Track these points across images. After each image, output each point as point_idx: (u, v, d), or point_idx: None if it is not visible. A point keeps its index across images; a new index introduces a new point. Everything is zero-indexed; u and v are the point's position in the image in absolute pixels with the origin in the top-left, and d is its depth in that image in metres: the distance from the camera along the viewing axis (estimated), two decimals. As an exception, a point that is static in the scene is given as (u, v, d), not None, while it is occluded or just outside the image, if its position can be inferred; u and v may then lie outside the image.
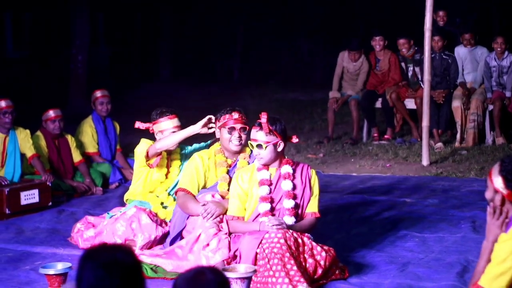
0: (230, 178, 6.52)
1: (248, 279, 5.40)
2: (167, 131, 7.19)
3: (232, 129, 6.50)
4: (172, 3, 20.94)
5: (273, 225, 5.81)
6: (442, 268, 6.20)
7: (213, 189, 6.57)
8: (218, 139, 6.77)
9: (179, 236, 6.53)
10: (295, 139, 6.28)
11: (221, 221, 6.26)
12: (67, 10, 17.10)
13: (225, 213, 6.29)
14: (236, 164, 6.62)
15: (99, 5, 19.60)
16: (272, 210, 6.06)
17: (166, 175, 7.22)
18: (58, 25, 19.20)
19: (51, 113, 9.59)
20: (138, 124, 7.28)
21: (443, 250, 6.71)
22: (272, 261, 5.64)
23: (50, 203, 8.84)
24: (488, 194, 4.21)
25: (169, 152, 7.32)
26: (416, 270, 6.18)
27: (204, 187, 6.61)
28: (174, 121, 7.25)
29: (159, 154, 7.09)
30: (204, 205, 6.29)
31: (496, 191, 4.16)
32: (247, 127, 6.55)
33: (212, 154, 6.66)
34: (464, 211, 7.97)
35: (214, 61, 22.56)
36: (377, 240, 7.04)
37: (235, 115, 6.52)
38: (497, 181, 4.14)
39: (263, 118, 6.01)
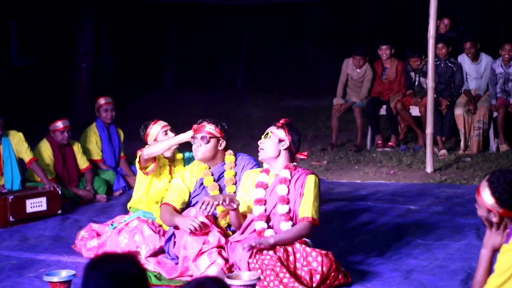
0: (220, 186, 6.58)
1: (252, 287, 5.40)
2: (160, 134, 7.38)
3: (193, 138, 6.57)
4: (177, 11, 20.97)
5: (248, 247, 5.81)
6: (446, 275, 6.19)
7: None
8: None
9: (170, 240, 6.57)
10: (303, 156, 6.31)
11: (206, 231, 6.26)
12: (72, 18, 17.14)
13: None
14: (223, 173, 6.64)
15: (105, 12, 19.64)
16: (267, 216, 6.08)
17: (170, 181, 7.26)
18: (63, 33, 19.23)
19: (60, 124, 9.60)
20: (141, 153, 7.41)
21: (447, 257, 6.70)
22: (265, 273, 5.67)
23: (60, 211, 8.85)
24: (482, 212, 4.20)
25: (171, 159, 7.38)
26: (420, 277, 6.17)
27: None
28: (160, 123, 7.42)
29: (154, 161, 7.13)
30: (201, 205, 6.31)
31: (490, 210, 4.15)
32: (208, 137, 6.55)
33: (194, 169, 6.71)
34: (468, 218, 7.95)
35: (218, 68, 22.58)
36: (381, 248, 7.03)
37: (197, 125, 6.57)
38: (489, 202, 4.13)
39: (282, 120, 6.21)
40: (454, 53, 11.91)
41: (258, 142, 6.20)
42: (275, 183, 6.14)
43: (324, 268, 5.81)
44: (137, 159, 7.18)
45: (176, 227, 6.39)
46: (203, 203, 6.09)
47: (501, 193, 4.06)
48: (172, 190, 6.64)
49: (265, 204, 6.10)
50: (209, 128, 6.57)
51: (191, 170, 6.70)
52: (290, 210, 6.07)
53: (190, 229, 6.14)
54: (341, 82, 12.68)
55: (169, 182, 7.25)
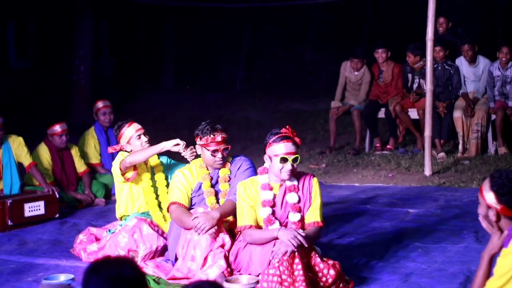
0: (216, 192, 6.57)
1: (250, 291, 5.41)
2: (133, 137, 7.42)
3: (215, 151, 6.53)
4: (176, 12, 20.97)
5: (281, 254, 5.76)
6: (445, 278, 6.19)
7: (203, 203, 6.58)
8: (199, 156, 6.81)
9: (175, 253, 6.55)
10: None
11: (217, 233, 6.24)
12: (70, 19, 17.15)
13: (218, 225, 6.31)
14: (218, 175, 6.64)
15: (103, 14, 19.64)
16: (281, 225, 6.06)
17: (152, 178, 7.33)
18: (62, 35, 19.24)
19: (58, 128, 9.59)
20: (111, 150, 7.45)
21: (446, 260, 6.69)
22: (280, 264, 5.66)
23: (58, 215, 8.85)
24: (481, 210, 4.22)
25: (146, 161, 7.41)
26: (419, 280, 6.16)
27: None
28: (135, 126, 7.47)
29: (135, 168, 7.17)
30: (196, 218, 6.28)
31: (489, 207, 4.16)
32: (229, 147, 6.60)
33: (192, 168, 6.68)
34: (467, 221, 7.96)
35: (217, 70, 22.59)
36: (380, 251, 7.03)
37: (218, 137, 6.52)
38: (489, 197, 4.14)
39: (293, 133, 6.11)
40: (452, 56, 11.91)
41: (285, 170, 5.99)
42: (283, 195, 6.12)
43: (330, 280, 5.80)
44: (117, 165, 7.19)
45: (187, 228, 6.38)
46: (196, 226, 6.19)
47: (500, 187, 4.08)
48: (177, 188, 6.59)
49: (276, 219, 6.06)
50: (225, 136, 6.58)
51: (190, 169, 6.68)
52: (301, 218, 6.08)
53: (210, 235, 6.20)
54: (340, 85, 12.68)
55: (150, 179, 7.31)
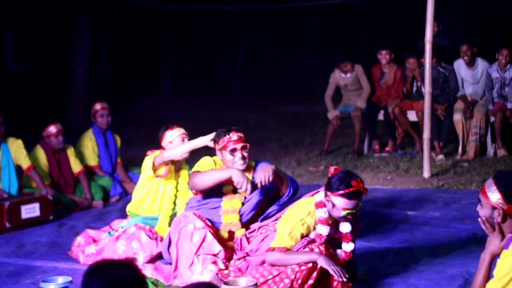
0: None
1: (249, 293, 5.38)
2: (176, 139, 7.37)
3: (233, 150, 6.46)
4: (174, 15, 20.98)
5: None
6: (444, 280, 6.18)
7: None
8: None
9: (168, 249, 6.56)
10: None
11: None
12: (68, 23, 17.16)
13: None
14: None
15: (101, 18, 19.63)
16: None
17: (176, 187, 7.30)
18: (59, 39, 19.24)
19: (53, 128, 9.57)
20: (150, 153, 7.37)
21: (445, 262, 6.68)
22: (299, 270, 5.63)
23: (52, 217, 8.84)
24: (484, 212, 4.20)
25: (178, 169, 7.38)
26: (417, 282, 6.15)
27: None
28: (180, 130, 7.42)
29: (167, 164, 7.13)
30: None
31: (494, 208, 4.15)
32: (248, 145, 6.54)
33: (214, 165, 6.65)
34: (466, 223, 7.95)
35: (215, 73, 22.60)
36: (378, 253, 7.02)
37: (234, 136, 6.47)
38: (495, 197, 4.13)
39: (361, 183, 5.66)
40: (447, 59, 11.86)
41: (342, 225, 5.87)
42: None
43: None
44: (151, 160, 7.15)
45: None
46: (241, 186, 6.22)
47: (508, 187, 4.08)
48: (206, 163, 6.56)
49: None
50: (242, 135, 6.54)
51: (213, 167, 6.66)
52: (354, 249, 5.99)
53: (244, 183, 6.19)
54: (328, 95, 12.56)
55: (175, 187, 7.30)
